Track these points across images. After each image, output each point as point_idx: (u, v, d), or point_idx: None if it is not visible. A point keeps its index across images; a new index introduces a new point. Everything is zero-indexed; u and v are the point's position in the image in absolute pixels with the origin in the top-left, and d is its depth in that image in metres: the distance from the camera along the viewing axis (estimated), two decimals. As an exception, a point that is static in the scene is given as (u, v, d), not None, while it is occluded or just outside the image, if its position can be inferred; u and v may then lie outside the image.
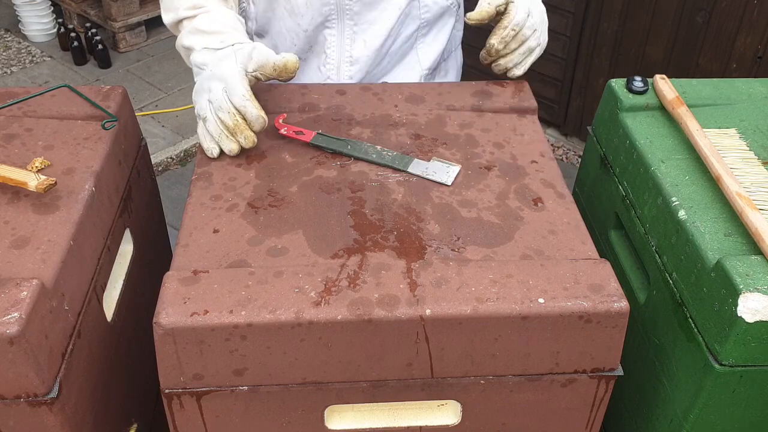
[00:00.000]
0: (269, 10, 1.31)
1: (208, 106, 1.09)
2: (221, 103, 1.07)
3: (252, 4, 1.32)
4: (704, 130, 1.13)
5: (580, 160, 1.59)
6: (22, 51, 3.82)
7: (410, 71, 1.38)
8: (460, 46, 1.49)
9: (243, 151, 1.11)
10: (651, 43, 2.67)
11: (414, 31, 1.35)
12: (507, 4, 1.20)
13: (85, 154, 1.08)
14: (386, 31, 1.31)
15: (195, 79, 1.14)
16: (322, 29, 1.30)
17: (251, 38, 1.35)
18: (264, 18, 1.32)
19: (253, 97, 1.08)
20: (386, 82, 1.34)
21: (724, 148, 1.11)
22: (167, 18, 1.20)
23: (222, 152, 1.10)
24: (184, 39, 1.17)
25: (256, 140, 1.10)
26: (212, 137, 1.09)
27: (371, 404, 0.96)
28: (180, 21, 1.19)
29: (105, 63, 3.68)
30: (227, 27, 1.15)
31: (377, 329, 0.86)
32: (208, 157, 1.10)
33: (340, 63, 1.33)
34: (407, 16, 1.32)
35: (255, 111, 1.07)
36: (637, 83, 1.22)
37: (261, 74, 1.10)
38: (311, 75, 1.35)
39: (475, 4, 1.19)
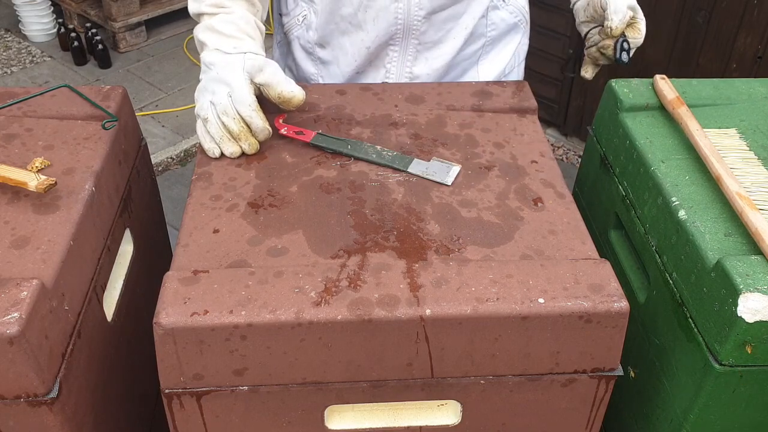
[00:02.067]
0: (331, 23, 1.28)
1: (211, 107, 1.09)
2: (226, 108, 1.07)
3: (313, 14, 1.30)
4: (704, 130, 1.13)
5: (580, 160, 1.59)
6: (22, 51, 3.82)
7: None
8: (524, 61, 1.47)
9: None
10: (651, 43, 2.67)
11: (478, 48, 1.35)
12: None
13: (85, 154, 1.08)
14: (453, 52, 1.31)
15: (201, 77, 1.14)
16: (384, 47, 1.29)
17: (312, 48, 1.34)
18: (326, 29, 1.30)
19: (259, 108, 1.08)
20: (386, 82, 1.33)
21: (724, 148, 1.11)
22: (192, 8, 1.17)
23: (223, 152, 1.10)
24: (200, 33, 1.15)
25: (258, 147, 1.10)
26: (212, 138, 1.09)
27: (371, 404, 0.96)
28: (201, 14, 1.17)
29: (105, 63, 3.68)
30: (243, 33, 1.13)
31: (377, 329, 0.86)
32: (208, 157, 1.10)
33: (399, 78, 1.33)
34: (472, 34, 1.32)
35: (261, 123, 1.08)
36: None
37: (264, 90, 1.10)
38: None
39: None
